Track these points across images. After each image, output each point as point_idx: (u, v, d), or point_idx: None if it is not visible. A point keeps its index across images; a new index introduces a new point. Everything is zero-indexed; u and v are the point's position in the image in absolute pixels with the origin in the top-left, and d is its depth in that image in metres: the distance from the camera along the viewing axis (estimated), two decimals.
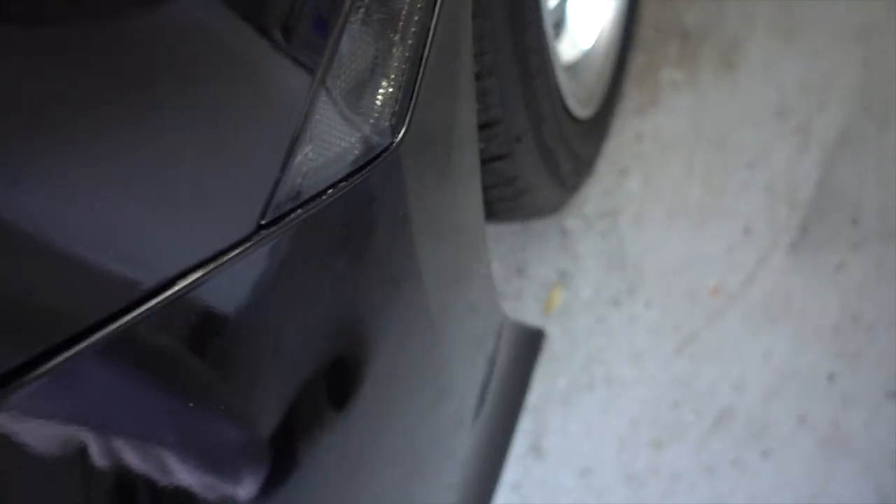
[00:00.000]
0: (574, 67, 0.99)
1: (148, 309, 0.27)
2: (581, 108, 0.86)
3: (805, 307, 1.07)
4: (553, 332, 1.16)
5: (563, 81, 0.76)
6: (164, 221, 0.28)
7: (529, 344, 0.85)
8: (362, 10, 0.32)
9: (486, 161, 0.62)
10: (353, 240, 0.35)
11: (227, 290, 0.30)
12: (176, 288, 0.28)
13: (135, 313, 0.27)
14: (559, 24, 0.94)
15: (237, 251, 0.29)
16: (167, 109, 0.28)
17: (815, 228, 1.09)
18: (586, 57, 1.00)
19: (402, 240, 0.38)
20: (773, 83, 1.18)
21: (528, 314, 1.18)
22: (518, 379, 0.87)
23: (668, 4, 1.24)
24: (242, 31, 0.29)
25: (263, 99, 0.30)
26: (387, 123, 0.34)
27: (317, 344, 0.35)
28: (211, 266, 0.29)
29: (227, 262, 0.29)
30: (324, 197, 0.32)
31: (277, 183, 0.30)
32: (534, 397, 1.14)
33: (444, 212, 0.43)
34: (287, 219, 0.31)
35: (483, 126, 0.58)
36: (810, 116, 1.14)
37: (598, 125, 0.97)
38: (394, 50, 0.34)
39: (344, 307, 0.36)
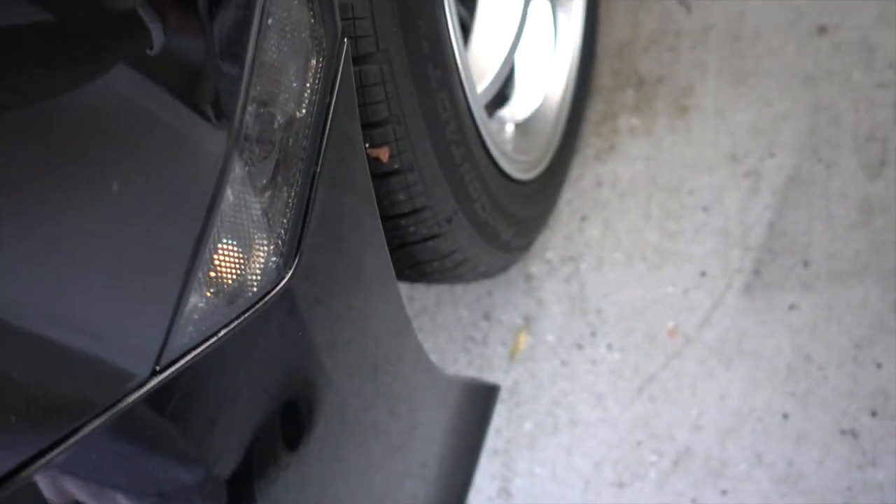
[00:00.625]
0: (525, 126, 1.03)
1: (54, 455, 0.31)
2: (527, 171, 0.91)
3: (759, 348, 1.10)
4: (519, 376, 1.19)
5: (505, 154, 0.80)
6: (66, 373, 0.32)
7: (482, 397, 0.89)
8: (246, 160, 0.36)
9: (419, 241, 0.66)
10: (254, 361, 0.39)
11: (129, 431, 0.34)
12: (80, 435, 0.32)
13: (43, 460, 0.31)
14: (507, 89, 0.98)
15: (134, 396, 0.33)
16: (69, 272, 0.32)
17: (767, 270, 1.13)
18: (537, 115, 1.04)
19: (305, 350, 0.42)
20: (725, 128, 1.21)
21: (495, 358, 1.22)
22: (472, 429, 0.91)
23: (624, 54, 1.29)
24: (130, 190, 0.33)
25: (152, 249, 0.34)
26: (274, 264, 0.39)
27: (223, 461, 0.39)
28: (111, 411, 0.33)
29: (126, 405, 0.33)
30: (215, 338, 0.37)
31: (169, 331, 0.34)
32: (501, 441, 1.18)
33: (353, 316, 0.47)
34: (180, 362, 0.35)
35: (411, 213, 0.62)
36: (761, 160, 1.18)
37: (549, 183, 1.01)
38: (278, 195, 0.38)
39: (251, 426, 0.40)
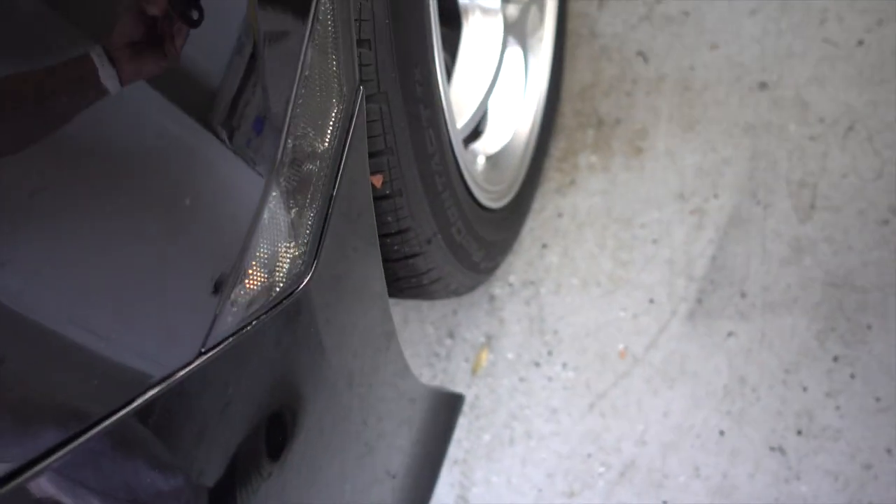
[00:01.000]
0: (495, 159, 1.13)
1: (117, 419, 0.38)
2: (497, 201, 1.00)
3: (699, 370, 1.21)
4: (480, 390, 1.27)
5: (478, 184, 0.89)
6: (133, 348, 0.39)
7: (448, 406, 0.96)
8: (283, 183, 0.44)
9: (402, 258, 0.74)
10: (273, 352, 0.46)
11: (177, 400, 0.41)
12: (138, 402, 0.39)
13: (106, 423, 0.38)
14: (480, 125, 1.07)
15: (185, 371, 0.40)
16: (146, 268, 0.39)
17: (708, 299, 1.24)
18: (506, 149, 1.14)
19: (314, 346, 0.49)
20: (674, 169, 1.33)
21: (458, 373, 1.30)
22: (438, 437, 0.98)
23: (586, 97, 1.40)
24: (198, 203, 0.41)
25: (208, 250, 0.41)
26: (297, 269, 0.46)
27: (247, 431, 0.46)
28: (167, 382, 0.40)
29: (178, 378, 0.40)
30: (248, 327, 0.44)
31: (215, 319, 0.41)
32: (461, 452, 1.25)
33: (352, 320, 0.55)
34: (221, 345, 0.42)
35: (396, 233, 0.71)
36: (706, 200, 1.30)
37: (515, 212, 1.10)
38: (303, 212, 0.46)
39: (268, 403, 0.47)
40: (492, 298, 1.32)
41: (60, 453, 0.36)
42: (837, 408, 1.15)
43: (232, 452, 0.48)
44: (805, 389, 1.16)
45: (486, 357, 1.29)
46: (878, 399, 1.13)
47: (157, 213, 0.38)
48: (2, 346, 0.33)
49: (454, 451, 1.26)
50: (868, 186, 1.24)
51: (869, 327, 1.17)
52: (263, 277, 0.44)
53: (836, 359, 1.16)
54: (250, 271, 0.43)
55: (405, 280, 0.78)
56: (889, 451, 1.11)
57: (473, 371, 1.29)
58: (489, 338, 1.30)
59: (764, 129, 1.30)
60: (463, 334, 1.31)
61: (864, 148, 1.26)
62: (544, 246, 1.32)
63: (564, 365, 1.26)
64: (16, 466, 0.34)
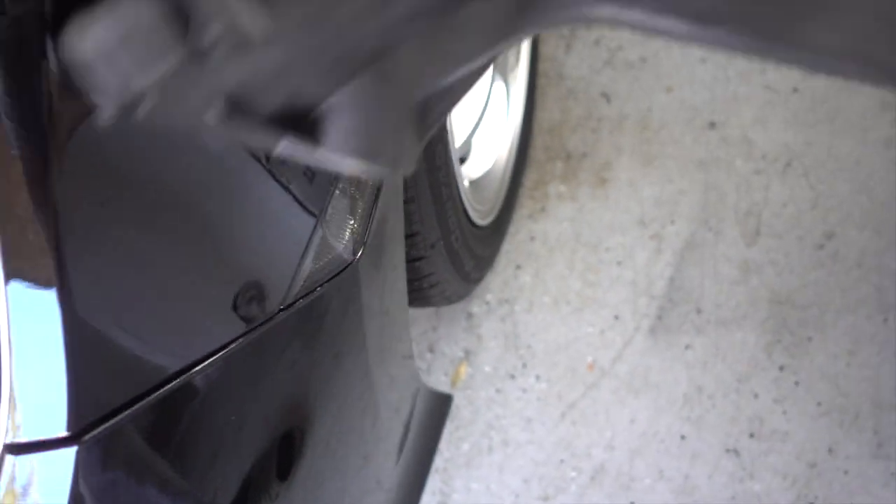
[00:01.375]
0: (477, 183, 1.24)
1: (217, 357, 0.46)
2: (482, 218, 1.10)
3: (661, 380, 1.32)
4: (459, 402, 1.35)
5: (468, 201, 0.99)
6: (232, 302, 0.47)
7: (440, 407, 1.04)
8: (343, 179, 0.53)
9: (409, 261, 0.83)
10: (326, 315, 0.54)
11: (261, 347, 0.49)
12: (235, 343, 0.47)
13: (211, 360, 0.45)
14: (466, 153, 1.18)
15: (269, 325, 0.49)
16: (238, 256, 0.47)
17: (668, 316, 1.36)
18: (487, 175, 1.25)
19: (354, 319, 0.58)
20: (635, 198, 1.46)
21: (438, 386, 1.37)
22: (430, 436, 1.06)
23: (555, 133, 1.53)
24: (293, 194, 0.49)
25: (288, 241, 0.50)
26: (352, 247, 0.55)
27: (297, 392, 0.54)
28: (258, 331, 0.48)
29: (263, 329, 0.48)
30: (314, 292, 0.52)
31: (291, 284, 0.50)
32: (442, 460, 1.32)
33: (383, 301, 0.63)
34: (294, 305, 0.51)
35: (407, 236, 0.79)
36: (664, 226, 1.43)
37: (496, 231, 1.21)
38: (357, 202, 0.55)
39: (324, 363, 0.55)
40: (470, 316, 1.41)
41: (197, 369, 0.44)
42: (784, 412, 1.26)
43: (281, 413, 0.55)
44: (756, 396, 1.28)
45: (464, 370, 1.38)
46: (819, 404, 1.26)
47: (255, 196, 0.47)
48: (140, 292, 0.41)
49: (435, 460, 1.33)
50: (805, 215, 1.39)
51: (810, 340, 1.30)
52: (326, 252, 0.53)
53: (781, 368, 1.29)
54: (322, 241, 0.52)
55: (410, 283, 0.86)
56: (831, 450, 1.23)
57: (452, 384, 1.37)
58: (467, 352, 1.39)
59: (714, 164, 1.45)
60: (442, 349, 1.40)
61: (801, 182, 1.42)
62: (518, 267, 1.43)
63: (538, 377, 1.35)
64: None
